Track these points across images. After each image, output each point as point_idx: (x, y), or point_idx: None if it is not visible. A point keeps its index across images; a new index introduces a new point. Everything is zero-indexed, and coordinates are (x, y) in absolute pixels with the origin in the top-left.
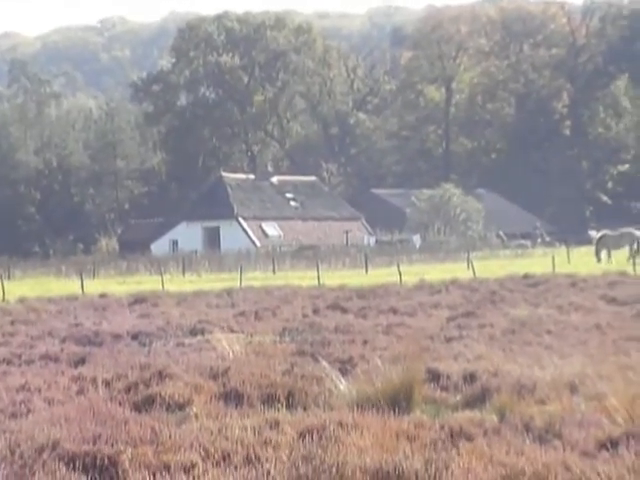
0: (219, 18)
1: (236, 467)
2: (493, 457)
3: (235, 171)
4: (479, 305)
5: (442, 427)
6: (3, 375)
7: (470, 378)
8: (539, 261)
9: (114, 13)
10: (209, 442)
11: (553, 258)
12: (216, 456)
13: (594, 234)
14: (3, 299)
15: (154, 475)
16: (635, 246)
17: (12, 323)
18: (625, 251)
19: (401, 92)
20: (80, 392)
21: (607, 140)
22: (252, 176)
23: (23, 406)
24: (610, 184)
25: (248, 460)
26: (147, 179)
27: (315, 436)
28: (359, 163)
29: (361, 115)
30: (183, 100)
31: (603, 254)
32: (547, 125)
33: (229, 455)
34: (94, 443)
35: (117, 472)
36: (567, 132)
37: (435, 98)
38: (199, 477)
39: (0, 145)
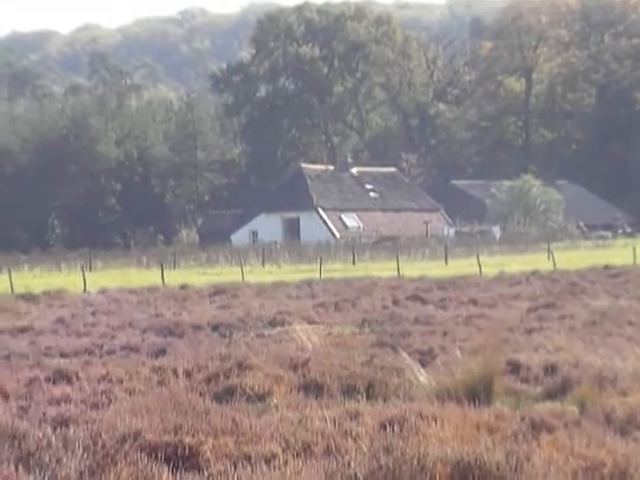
0: (299, 9)
1: (316, 458)
2: (574, 449)
3: (315, 162)
4: (559, 296)
5: (522, 419)
6: (85, 365)
7: (551, 369)
8: (620, 252)
9: (194, 4)
10: (289, 433)
11: (634, 249)
12: (296, 447)
13: None
14: (85, 290)
15: (235, 466)
16: None
17: (93, 314)
18: None
19: (481, 83)
20: (161, 383)
21: None
22: (332, 167)
23: (105, 396)
24: None
25: (328, 451)
26: (227, 170)
27: (395, 427)
28: (439, 154)
29: (441, 106)
30: (263, 91)
31: None
32: (628, 115)
33: (309, 446)
34: (175, 433)
35: (198, 462)
36: None
37: (515, 89)
38: (280, 468)
39: (81, 137)
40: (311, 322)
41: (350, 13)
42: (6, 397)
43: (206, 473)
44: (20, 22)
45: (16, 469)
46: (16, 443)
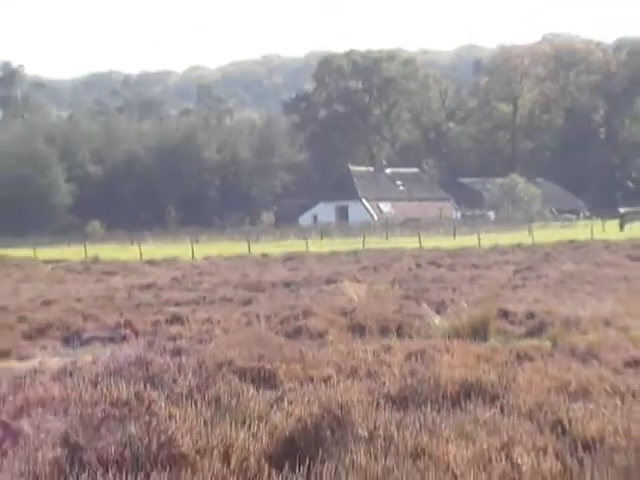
0: (347, 54)
1: (360, 379)
2: (548, 372)
3: (359, 165)
4: (537, 262)
5: (510, 351)
6: (193, 312)
7: (531, 316)
8: (581, 231)
9: (272, 51)
10: (341, 361)
11: (591, 228)
12: (346, 371)
13: (621, 211)
14: (193, 257)
15: (301, 384)
16: None
17: (199, 274)
18: None
19: (480, 107)
20: (248, 324)
21: (631, 142)
22: (371, 168)
23: (207, 334)
24: (634, 174)
25: (369, 374)
26: (295, 171)
27: (418, 357)
28: (449, 159)
29: (450, 124)
30: (321, 113)
31: (626, 226)
32: (587, 131)
33: (355, 370)
34: (258, 361)
35: (275, 382)
36: (602, 136)
37: (505, 111)
38: (334, 386)
39: (190, 146)
40: (356, 281)
41: (385, 57)
42: (137, 334)
43: (280, 390)
44: (147, 63)
45: (144, 386)
46: (144, 368)
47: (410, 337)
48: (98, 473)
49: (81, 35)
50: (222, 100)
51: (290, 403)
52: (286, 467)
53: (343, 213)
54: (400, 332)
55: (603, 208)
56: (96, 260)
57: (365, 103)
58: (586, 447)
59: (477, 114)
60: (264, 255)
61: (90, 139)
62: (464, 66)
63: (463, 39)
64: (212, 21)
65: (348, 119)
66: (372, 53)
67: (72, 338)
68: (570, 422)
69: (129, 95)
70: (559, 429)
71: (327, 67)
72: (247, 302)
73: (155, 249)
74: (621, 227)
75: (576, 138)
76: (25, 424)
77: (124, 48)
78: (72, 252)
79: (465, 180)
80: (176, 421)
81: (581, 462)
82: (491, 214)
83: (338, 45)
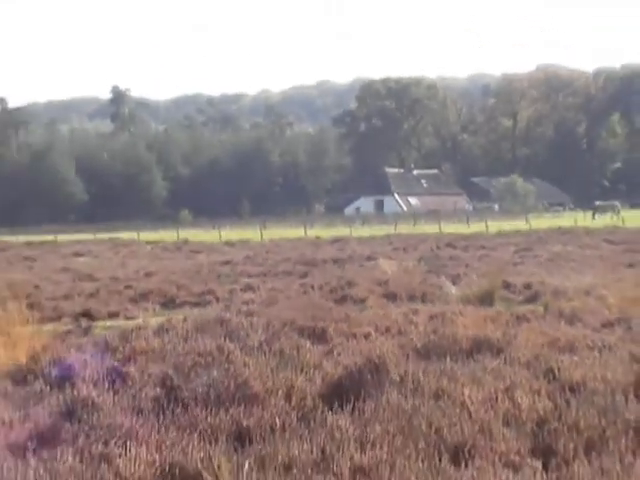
0: (383, 80)
1: (393, 336)
2: (541, 331)
3: (392, 167)
4: (532, 243)
5: (511, 314)
6: (262, 282)
7: (527, 286)
8: (567, 220)
9: (324, 77)
10: (377, 321)
11: (575, 218)
12: (381, 329)
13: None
14: (261, 239)
15: (347, 339)
16: (616, 211)
17: (266, 253)
18: (615, 215)
19: (487, 122)
20: (304, 292)
21: (607, 150)
22: (402, 170)
23: (273, 300)
24: (609, 174)
25: (400, 332)
26: (341, 171)
27: (438, 318)
28: (462, 163)
29: (464, 135)
30: (362, 127)
31: (597, 215)
32: (572, 141)
33: (389, 329)
34: (313, 321)
35: (326, 338)
36: (584, 146)
37: (507, 125)
38: (372, 341)
39: (260, 152)
40: (389, 258)
41: (412, 82)
42: (217, 299)
43: (330, 344)
44: (226, 86)
45: (224, 340)
46: (224, 326)
47: (432, 303)
48: (189, 408)
49: (174, 62)
50: (284, 116)
51: (338, 354)
52: (335, 405)
53: (379, 205)
54: (424, 299)
55: (584, 202)
56: (185, 242)
57: (397, 118)
58: (572, 390)
59: (485, 127)
60: (317, 238)
61: (181, 147)
62: (475, 89)
63: (474, 67)
64: (277, 52)
65: (383, 131)
66: (403, 79)
67: (168, 302)
68: (559, 370)
69: (212, 112)
70: (550, 376)
71: (367, 90)
72: (304, 275)
73: (232, 233)
74: (593, 216)
75: (563, 146)
76: (132, 369)
77: (208, 74)
78: (167, 235)
79: (475, 179)
80: (249, 368)
81: (568, 402)
82: (496, 206)
83: (376, 72)
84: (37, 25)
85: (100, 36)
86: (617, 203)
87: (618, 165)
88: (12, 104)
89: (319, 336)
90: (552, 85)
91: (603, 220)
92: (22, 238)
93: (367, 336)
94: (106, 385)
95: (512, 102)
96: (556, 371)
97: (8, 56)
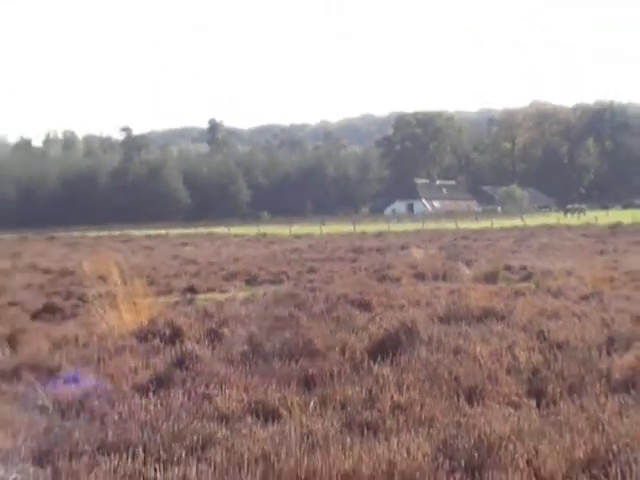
0: (414, 114)
1: (422, 307)
2: (534, 303)
3: (420, 178)
4: (526, 236)
5: (511, 290)
6: (321, 265)
7: (523, 268)
8: (552, 219)
9: (367, 110)
10: (410, 295)
11: (558, 218)
12: (413, 302)
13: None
14: (320, 233)
15: (386, 308)
16: (582, 212)
17: (325, 243)
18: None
19: (492, 144)
20: (354, 273)
21: (584, 165)
22: (427, 180)
23: (330, 279)
24: (585, 183)
25: (427, 303)
26: (381, 182)
27: (456, 293)
28: (473, 175)
29: (475, 154)
30: (397, 147)
31: (568, 215)
32: (557, 159)
33: (418, 301)
34: (360, 295)
35: (371, 307)
36: (566, 162)
37: (507, 147)
38: (406, 310)
39: (320, 167)
40: (418, 247)
41: (436, 115)
42: (288, 278)
43: (374, 312)
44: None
45: (294, 309)
46: (294, 298)
47: (451, 281)
48: (268, 360)
49: (256, 98)
50: (338, 140)
51: (380, 320)
52: (378, 358)
53: (410, 207)
54: (444, 278)
55: (565, 204)
56: (264, 235)
57: (423, 142)
58: (558, 347)
59: (490, 148)
60: (363, 232)
61: (261, 164)
62: (483, 120)
63: (482, 103)
64: (333, 90)
65: (413, 151)
66: (428, 113)
67: (251, 280)
68: (548, 332)
69: (284, 137)
70: (541, 336)
71: (401, 121)
72: (353, 260)
73: (299, 229)
74: (565, 215)
75: (550, 163)
76: (225, 330)
77: (281, 107)
78: (250, 230)
79: (483, 188)
80: (313, 330)
81: (555, 356)
82: (499, 208)
83: (408, 106)
84: (156, 67)
85: (202, 77)
86: (583, 206)
87: (591, 177)
88: (135, 132)
89: (365, 306)
90: (541, 117)
91: (573, 218)
92: (143, 232)
93: (401, 307)
94: (206, 342)
95: (511, 130)
96: (546, 333)
97: (132, 94)
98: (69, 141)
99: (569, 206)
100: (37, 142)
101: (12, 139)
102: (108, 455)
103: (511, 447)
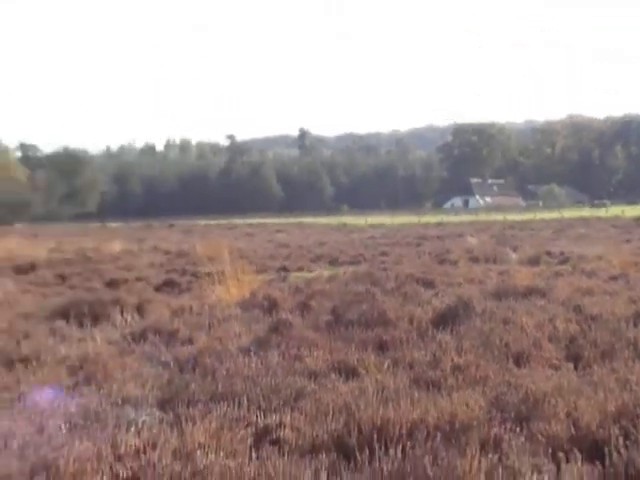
0: (469, 124)
1: (475, 284)
2: (572, 282)
3: (475, 178)
4: (564, 227)
5: (551, 272)
6: (392, 250)
7: (561, 253)
8: (587, 212)
9: (430, 122)
10: (465, 275)
11: (592, 211)
12: (468, 280)
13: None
14: (392, 223)
15: (447, 286)
16: (607, 206)
17: (395, 231)
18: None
19: (536, 150)
20: (419, 257)
21: (613, 167)
22: (481, 180)
23: (399, 261)
24: (613, 182)
25: (480, 282)
26: (442, 181)
27: (504, 274)
28: (520, 175)
29: (521, 158)
30: (456, 152)
31: (594, 208)
32: (589, 162)
33: (472, 279)
34: (424, 274)
35: (434, 285)
36: (597, 164)
37: (547, 151)
38: (463, 287)
39: (391, 170)
40: (472, 235)
41: (488, 126)
42: (365, 260)
43: (436, 289)
44: (370, 126)
45: (370, 285)
46: (369, 276)
47: (500, 264)
48: (349, 328)
49: (338, 108)
50: (407, 146)
51: (442, 296)
52: (440, 327)
53: (466, 202)
54: (495, 261)
55: (596, 200)
56: (344, 225)
57: (478, 147)
58: (592, 319)
59: (534, 153)
60: (426, 223)
61: (342, 165)
62: (528, 129)
63: (528, 115)
64: (407, 98)
65: (469, 155)
66: (482, 124)
67: (334, 261)
68: (583, 307)
69: (361, 144)
70: (578, 310)
71: (459, 130)
72: (418, 245)
73: (373, 219)
74: (590, 208)
75: (584, 165)
76: (313, 303)
77: (359, 116)
78: (333, 220)
79: (528, 186)
80: (386, 303)
81: (589, 327)
82: (540, 203)
83: (465, 118)
84: (255, 82)
85: (292, 90)
86: (608, 201)
87: (619, 177)
88: (238, 139)
89: (429, 284)
90: (576, 127)
91: (600, 211)
92: (244, 221)
93: (459, 284)
94: (297, 312)
95: (551, 137)
96: (581, 307)
97: (236, 105)
98: (185, 146)
99: (596, 201)
100: (159, 147)
101: (139, 144)
102: (218, 403)
103: (553, 402)
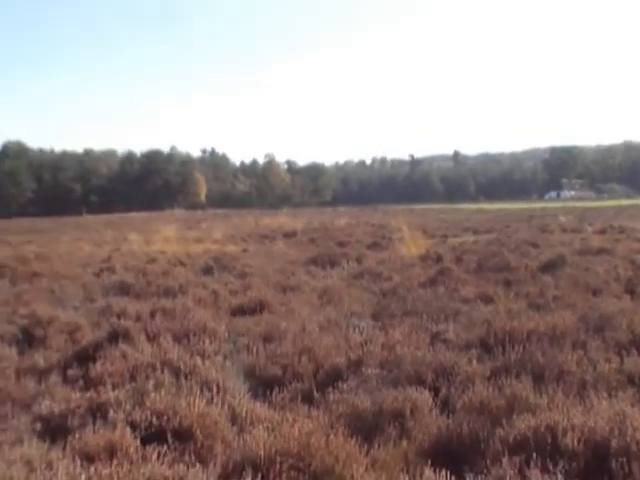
0: (562, 147)
1: (566, 246)
2: (627, 245)
3: (565, 179)
4: (621, 211)
5: (614, 238)
6: (512, 224)
7: (620, 227)
8: (638, 201)
9: (535, 145)
10: (559, 240)
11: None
12: (561, 243)
13: None
14: (511, 208)
15: (547, 247)
16: None
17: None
18: None
19: (602, 160)
20: (529, 228)
21: None
22: (568, 180)
23: (516, 231)
24: None
25: (568, 244)
26: (543, 181)
27: (585, 240)
28: (593, 177)
29: (593, 166)
30: (552, 162)
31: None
32: (638, 170)
33: (564, 243)
34: (532, 239)
35: (537, 246)
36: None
37: (610, 162)
38: (558, 248)
39: (513, 173)
40: (563, 216)
41: (570, 148)
42: (496, 231)
43: (540, 249)
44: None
45: (499, 247)
46: (498, 242)
47: (580, 233)
48: (487, 272)
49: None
50: (521, 160)
51: (544, 253)
52: (545, 272)
53: (558, 195)
54: (577, 232)
55: None
56: (482, 209)
57: (566, 160)
58: None
59: (601, 163)
60: (532, 208)
61: (480, 170)
62: (599, 149)
63: (598, 140)
64: (499, 121)
65: (560, 165)
66: (569, 147)
67: (475, 231)
68: (636, 260)
69: (489, 158)
70: (633, 263)
71: (554, 150)
72: (528, 220)
73: (500, 205)
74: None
75: (635, 172)
76: (464, 257)
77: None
78: (472, 207)
79: (597, 184)
80: (509, 257)
81: None
82: (606, 196)
83: (558, 141)
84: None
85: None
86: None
87: None
88: (416, 156)
89: (536, 245)
90: (629, 146)
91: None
92: (419, 207)
93: (554, 246)
94: (454, 262)
95: (612, 153)
96: (634, 260)
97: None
98: (383, 161)
99: None
100: (368, 161)
101: (355, 159)
102: (408, 316)
103: (618, 318)
